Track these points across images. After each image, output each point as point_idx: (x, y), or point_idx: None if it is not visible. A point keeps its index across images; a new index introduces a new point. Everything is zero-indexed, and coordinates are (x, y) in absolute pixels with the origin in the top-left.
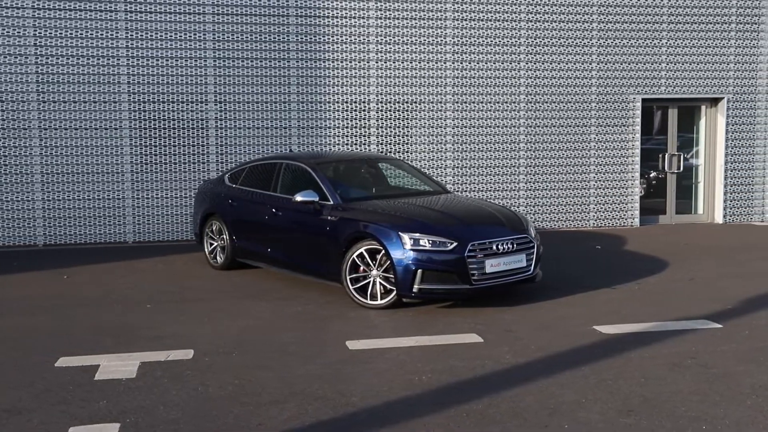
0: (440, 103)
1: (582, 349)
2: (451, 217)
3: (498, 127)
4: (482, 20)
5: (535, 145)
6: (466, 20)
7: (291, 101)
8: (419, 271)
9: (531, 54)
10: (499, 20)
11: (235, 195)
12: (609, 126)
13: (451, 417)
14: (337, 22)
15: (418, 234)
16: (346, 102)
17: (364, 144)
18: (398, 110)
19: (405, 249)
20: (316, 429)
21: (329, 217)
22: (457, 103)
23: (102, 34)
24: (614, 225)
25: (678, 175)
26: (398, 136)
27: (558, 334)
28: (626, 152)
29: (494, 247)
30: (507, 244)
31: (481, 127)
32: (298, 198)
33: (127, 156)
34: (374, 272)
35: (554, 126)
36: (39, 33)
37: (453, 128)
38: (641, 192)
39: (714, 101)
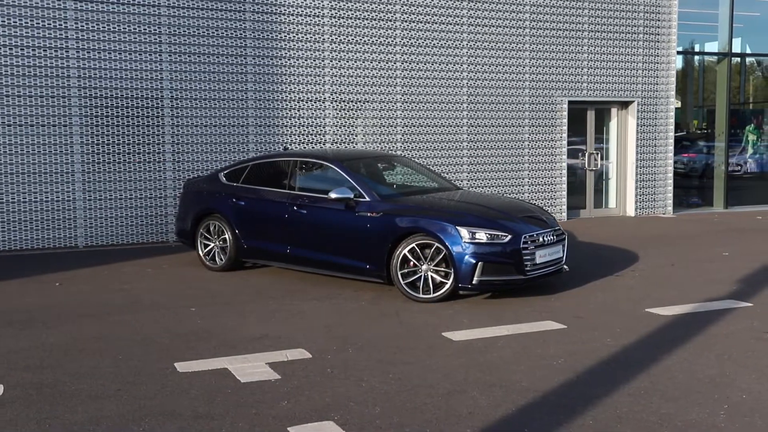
0: (390, 102)
1: (663, 330)
2: (494, 210)
3: (443, 126)
4: (428, 23)
5: (476, 144)
6: (414, 22)
7: (248, 98)
8: (480, 263)
9: (472, 57)
10: (443, 23)
11: (240, 194)
12: (540, 126)
13: (631, 394)
14: (293, 19)
15: (475, 228)
16: (302, 100)
17: (320, 142)
18: (352, 108)
19: (464, 242)
20: (527, 414)
21: (369, 214)
22: (406, 102)
23: (49, 24)
24: None
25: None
26: (352, 135)
27: (625, 318)
28: (554, 150)
29: (541, 239)
30: (549, 235)
31: (428, 126)
32: (333, 195)
33: (77, 155)
34: (424, 267)
35: (493, 126)
36: None
37: (402, 127)
38: None
39: (624, 104)
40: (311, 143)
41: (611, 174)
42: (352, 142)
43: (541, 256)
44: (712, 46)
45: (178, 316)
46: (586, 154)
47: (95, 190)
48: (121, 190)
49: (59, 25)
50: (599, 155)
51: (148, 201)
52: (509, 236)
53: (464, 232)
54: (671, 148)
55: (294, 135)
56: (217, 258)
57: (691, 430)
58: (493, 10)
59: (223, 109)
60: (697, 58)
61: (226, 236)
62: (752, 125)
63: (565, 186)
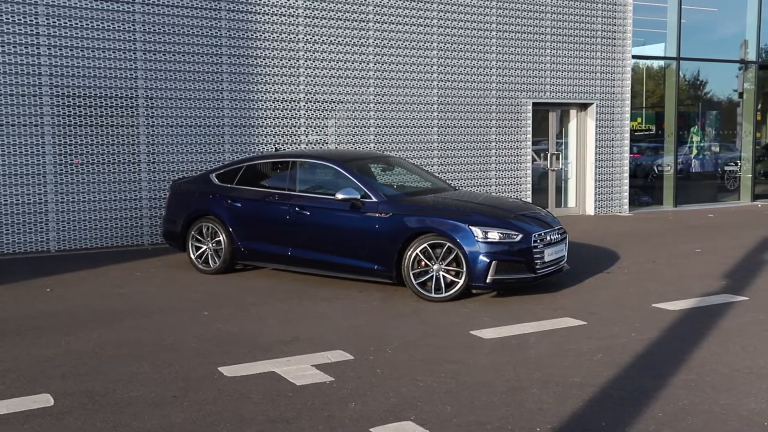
0: (364, 103)
1: (678, 324)
2: (502, 210)
3: (414, 126)
4: (399, 24)
5: (446, 144)
6: (386, 23)
7: (223, 98)
8: (494, 262)
9: (442, 59)
10: (414, 25)
11: (235, 195)
12: (506, 127)
13: (685, 387)
14: (268, 18)
15: (487, 227)
16: (277, 100)
17: (295, 142)
18: (326, 109)
19: (477, 242)
20: (596, 408)
21: (377, 215)
22: (379, 102)
23: (19, 20)
24: None
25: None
26: (326, 135)
27: (637, 313)
28: (519, 150)
29: (548, 238)
30: (555, 234)
31: (400, 126)
32: (340, 196)
33: (49, 156)
34: (436, 266)
35: (462, 126)
36: None
37: (375, 127)
38: None
39: (583, 106)
40: (287, 143)
41: (571, 174)
42: (326, 142)
43: (549, 255)
44: (640, 50)
45: (193, 320)
46: (548, 155)
47: (68, 192)
48: (94, 192)
49: (30, 20)
50: (559, 155)
51: (122, 203)
52: (521, 235)
53: (477, 231)
54: (627, 148)
55: (269, 135)
56: (210, 260)
57: (757, 418)
58: (462, 12)
59: (199, 109)
60: None
61: (221, 238)
62: (696, 127)
63: (529, 185)
